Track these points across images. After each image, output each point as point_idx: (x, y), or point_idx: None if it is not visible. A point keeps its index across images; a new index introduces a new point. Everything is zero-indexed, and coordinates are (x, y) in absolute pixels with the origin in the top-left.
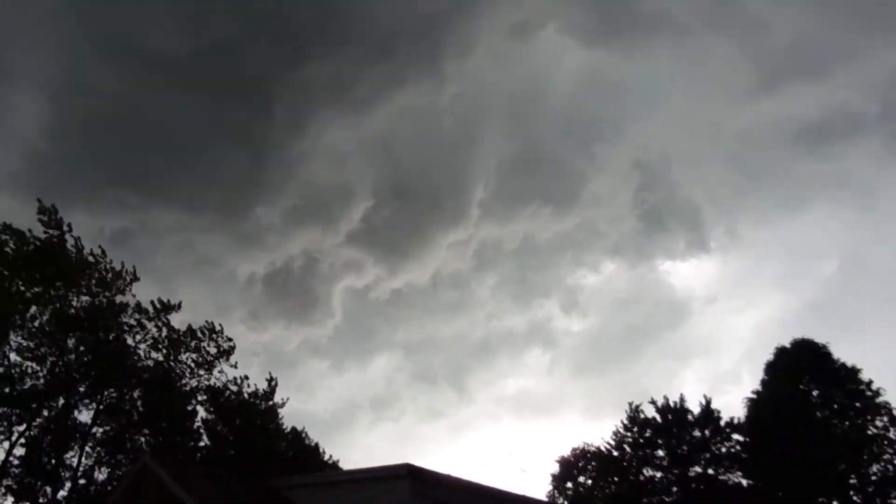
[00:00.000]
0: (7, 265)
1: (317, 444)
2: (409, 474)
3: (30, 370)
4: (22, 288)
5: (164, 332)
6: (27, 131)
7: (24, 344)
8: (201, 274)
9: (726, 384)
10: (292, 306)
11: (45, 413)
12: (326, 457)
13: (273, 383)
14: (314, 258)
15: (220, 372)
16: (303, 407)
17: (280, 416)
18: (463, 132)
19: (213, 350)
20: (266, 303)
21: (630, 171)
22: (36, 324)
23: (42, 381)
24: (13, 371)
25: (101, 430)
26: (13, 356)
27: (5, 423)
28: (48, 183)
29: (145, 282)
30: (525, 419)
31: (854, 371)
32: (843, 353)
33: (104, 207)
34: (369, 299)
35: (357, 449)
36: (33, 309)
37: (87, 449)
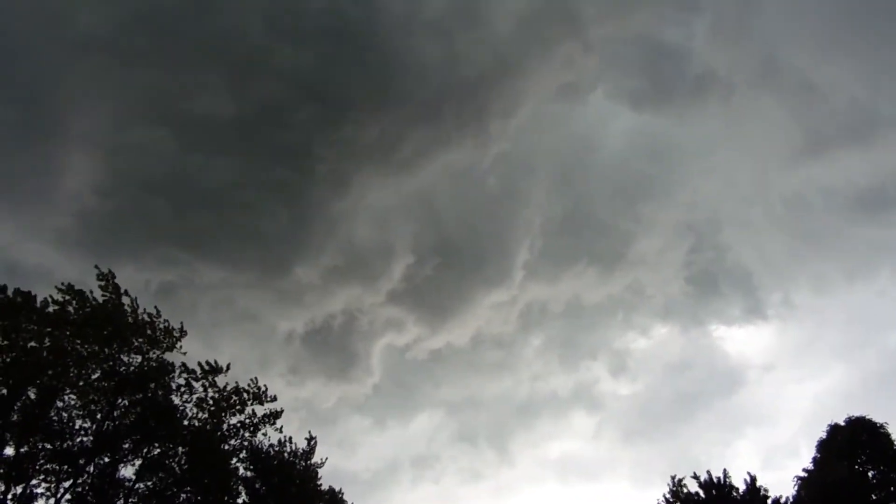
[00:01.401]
0: (68, 325)
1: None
2: None
3: (79, 427)
4: (78, 346)
5: (210, 393)
6: (79, 189)
7: (76, 402)
8: (242, 329)
9: (782, 458)
10: (332, 363)
11: (92, 468)
12: None
13: (313, 442)
14: (354, 316)
15: (264, 434)
16: (343, 464)
17: (319, 476)
18: (507, 192)
19: (259, 412)
20: (306, 359)
21: (679, 232)
22: (89, 381)
23: (90, 437)
24: (64, 427)
25: (144, 485)
26: (66, 414)
27: (53, 478)
28: (97, 239)
29: (189, 335)
30: (569, 484)
31: None
32: None
33: (151, 263)
34: (410, 357)
35: None
36: (87, 368)
37: None
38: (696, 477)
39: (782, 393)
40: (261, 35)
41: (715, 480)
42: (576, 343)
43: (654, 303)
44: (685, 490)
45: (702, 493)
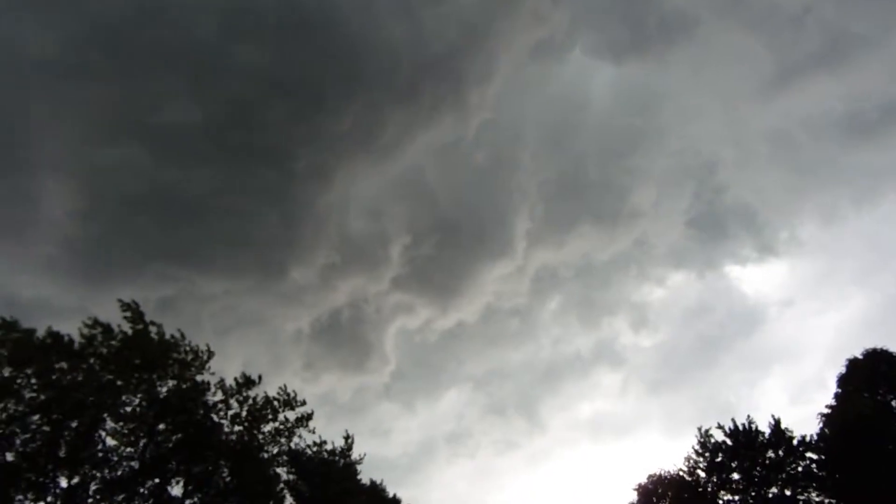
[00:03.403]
0: (98, 358)
1: (395, 496)
2: None
3: (126, 453)
4: (112, 377)
5: (246, 406)
6: (58, 216)
7: (119, 429)
8: (248, 334)
9: (810, 391)
10: (346, 356)
11: (143, 490)
12: None
13: (350, 440)
14: (361, 307)
15: (299, 437)
16: (379, 452)
17: (358, 471)
18: (496, 161)
19: (292, 418)
20: (319, 355)
21: (676, 180)
22: (128, 409)
23: (137, 462)
24: (110, 456)
25: (191, 501)
26: (109, 440)
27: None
28: (86, 263)
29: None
30: (603, 442)
31: None
32: None
33: (146, 281)
34: (424, 340)
35: (436, 487)
36: (124, 397)
37: None
38: (720, 426)
39: (804, 327)
40: (217, 36)
41: (740, 428)
42: (593, 302)
43: (665, 252)
44: (712, 440)
45: (729, 442)
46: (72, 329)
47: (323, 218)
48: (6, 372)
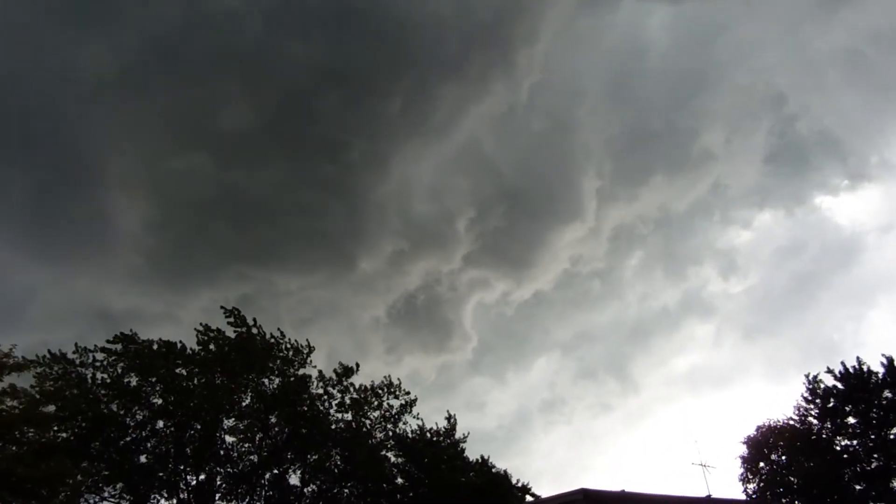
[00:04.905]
0: (212, 362)
1: (505, 471)
2: (586, 498)
3: (244, 449)
4: (224, 380)
5: (348, 395)
6: (133, 228)
7: (236, 426)
8: (327, 326)
9: None
10: (427, 338)
11: (264, 481)
12: (514, 480)
13: (452, 420)
14: (435, 288)
15: (404, 423)
16: (475, 426)
17: (463, 449)
18: (555, 123)
19: (396, 404)
20: (399, 339)
21: (748, 116)
22: (241, 408)
23: (255, 456)
24: (231, 452)
25: (310, 489)
26: (228, 438)
27: (232, 496)
28: (168, 270)
29: None
30: (702, 395)
31: None
32: None
33: (225, 282)
34: (504, 312)
35: (536, 456)
36: (236, 396)
37: None
38: (830, 371)
39: None
40: (264, 34)
41: (851, 370)
42: (676, 253)
43: (746, 193)
44: (822, 386)
45: (840, 386)
46: (165, 334)
47: (384, 205)
48: (134, 381)
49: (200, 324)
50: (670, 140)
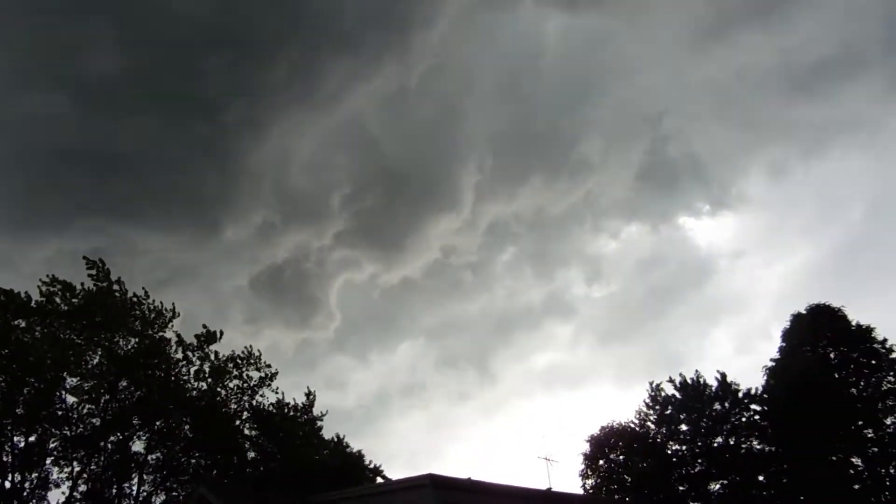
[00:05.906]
0: (58, 316)
1: (360, 452)
2: (433, 484)
3: (87, 411)
4: (72, 336)
5: (207, 363)
6: None
7: (80, 386)
8: (185, 289)
9: (756, 341)
10: (289, 313)
11: (105, 446)
12: (367, 461)
13: (311, 397)
14: (302, 263)
15: (261, 396)
16: (334, 404)
17: (321, 427)
18: (442, 111)
19: (255, 376)
20: (260, 310)
21: (625, 131)
22: (87, 368)
23: (98, 419)
24: (70, 414)
25: (154, 456)
26: (70, 399)
27: (67, 461)
28: (10, 215)
29: None
30: (556, 394)
31: (868, 330)
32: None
33: (76, 234)
34: (371, 295)
35: (392, 438)
36: (84, 354)
37: (144, 476)
38: (671, 381)
39: (753, 278)
40: None
41: (689, 382)
42: (547, 254)
43: (617, 205)
44: (663, 394)
45: (678, 395)
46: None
47: (259, 173)
48: None
49: (47, 275)
50: (552, 144)
